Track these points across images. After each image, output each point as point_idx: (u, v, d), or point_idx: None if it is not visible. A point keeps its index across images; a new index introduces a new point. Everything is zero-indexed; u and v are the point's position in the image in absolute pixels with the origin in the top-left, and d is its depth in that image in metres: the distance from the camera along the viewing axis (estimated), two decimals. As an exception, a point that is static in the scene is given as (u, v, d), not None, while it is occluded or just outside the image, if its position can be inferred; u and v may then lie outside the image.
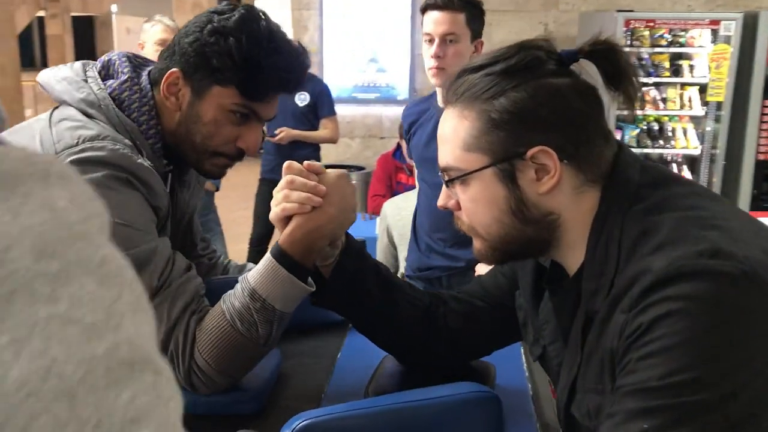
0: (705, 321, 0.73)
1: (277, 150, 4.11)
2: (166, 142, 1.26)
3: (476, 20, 2.19)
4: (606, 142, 0.91)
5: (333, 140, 4.31)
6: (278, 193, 1.14)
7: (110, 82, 1.24)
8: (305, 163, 1.15)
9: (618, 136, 5.23)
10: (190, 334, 1.12)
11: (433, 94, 2.37)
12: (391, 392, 1.17)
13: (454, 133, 0.91)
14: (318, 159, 4.43)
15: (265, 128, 3.32)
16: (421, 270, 2.43)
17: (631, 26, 4.88)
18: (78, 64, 1.27)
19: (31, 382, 0.31)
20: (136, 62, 1.31)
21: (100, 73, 1.26)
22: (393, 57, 5.52)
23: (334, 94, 4.37)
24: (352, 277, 1.17)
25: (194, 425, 1.12)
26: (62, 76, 1.23)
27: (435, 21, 2.14)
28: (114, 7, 12.33)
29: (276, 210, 1.14)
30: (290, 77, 1.25)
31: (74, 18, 11.74)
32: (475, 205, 0.92)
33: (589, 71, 0.93)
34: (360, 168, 5.28)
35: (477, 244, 0.95)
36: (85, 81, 1.23)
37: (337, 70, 5.51)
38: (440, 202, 0.97)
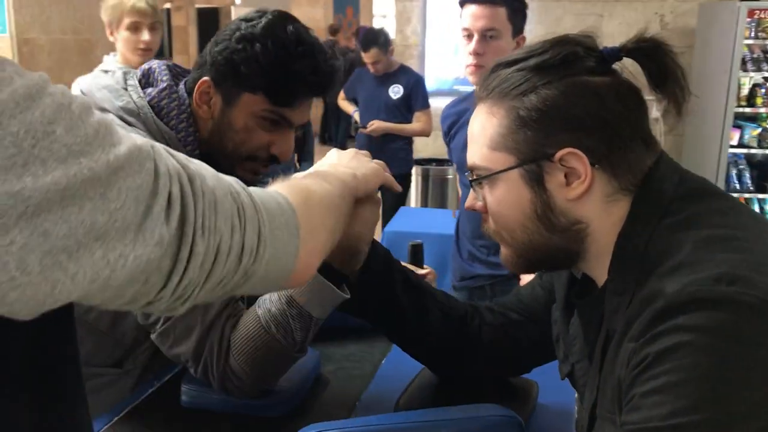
0: (716, 356, 0.66)
1: (369, 142, 4.12)
2: (202, 150, 1.27)
3: (518, 15, 2.07)
4: (646, 149, 0.83)
5: (425, 133, 4.27)
6: None
7: (149, 90, 1.27)
8: None
9: (737, 135, 4.89)
10: (225, 339, 1.12)
11: (472, 94, 2.28)
12: (418, 407, 1.13)
13: (482, 130, 0.87)
14: (410, 152, 4.42)
15: (357, 118, 3.29)
16: (464, 279, 2.36)
17: (756, 16, 4.54)
18: (119, 72, 1.30)
19: None
20: (175, 71, 1.34)
21: (140, 81, 1.29)
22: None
23: (434, 86, 4.34)
24: (378, 283, 1.13)
25: (225, 424, 1.15)
26: (103, 84, 1.27)
27: (474, 15, 2.04)
28: (238, -1, 12.78)
29: None
30: (317, 81, 1.24)
31: (199, 10, 12.30)
32: (501, 207, 0.87)
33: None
34: (457, 162, 5.21)
35: (503, 249, 0.91)
36: (125, 89, 1.26)
37: (438, 62, 5.45)
38: (467, 203, 0.93)
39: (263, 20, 1.21)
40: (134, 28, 2.75)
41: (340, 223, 0.89)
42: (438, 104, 4.38)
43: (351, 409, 1.22)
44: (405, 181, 4.43)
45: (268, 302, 1.13)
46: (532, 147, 0.82)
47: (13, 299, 0.48)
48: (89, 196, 0.50)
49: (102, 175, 0.51)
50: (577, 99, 0.81)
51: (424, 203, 5.00)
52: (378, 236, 2.43)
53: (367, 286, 1.13)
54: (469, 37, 2.06)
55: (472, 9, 2.05)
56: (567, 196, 0.82)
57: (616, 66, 0.86)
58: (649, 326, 0.70)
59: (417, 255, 1.61)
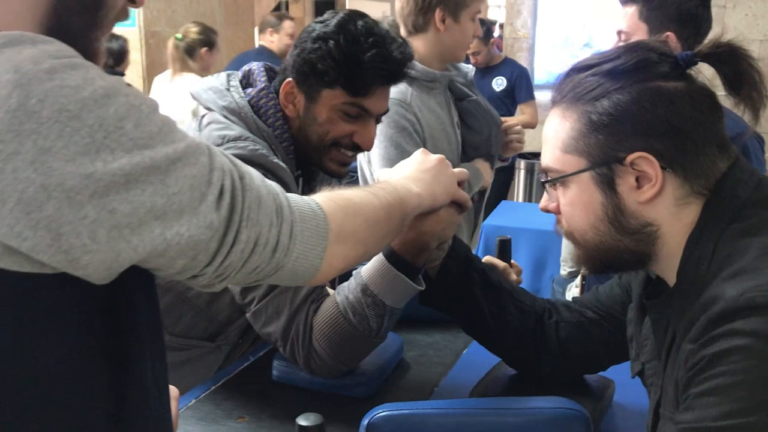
0: None
1: (473, 135, 4.12)
2: (294, 147, 1.37)
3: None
4: (720, 153, 0.84)
5: (531, 125, 4.23)
6: None
7: (249, 90, 1.38)
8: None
9: None
10: (308, 322, 1.21)
11: None
12: (491, 395, 1.18)
13: (555, 133, 0.89)
14: (516, 145, 4.37)
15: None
16: (572, 276, 2.34)
17: None
18: (223, 74, 1.42)
19: None
20: (272, 73, 1.43)
21: (241, 82, 1.40)
22: (609, 42, 5.25)
23: (544, 78, 4.29)
24: (456, 280, 1.18)
25: (310, 400, 1.23)
26: (208, 86, 1.39)
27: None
28: (352, -9, 12.99)
29: None
30: (389, 68, 1.30)
31: (316, 1, 12.59)
32: (572, 209, 0.89)
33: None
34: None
35: (575, 250, 0.93)
36: (228, 90, 1.37)
37: (548, 54, 5.37)
38: (541, 204, 0.96)
39: (335, 19, 1.30)
40: None
41: (382, 235, 0.95)
42: (548, 97, 4.31)
43: (429, 394, 1.28)
44: (507, 174, 4.41)
45: (347, 290, 1.21)
46: (604, 151, 0.84)
47: (85, 263, 0.59)
48: (150, 182, 0.60)
49: (162, 164, 0.61)
50: (649, 105, 0.82)
51: (528, 197, 4.95)
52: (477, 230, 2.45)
53: (445, 283, 1.18)
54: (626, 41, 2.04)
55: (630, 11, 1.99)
56: (638, 199, 0.83)
57: (692, 71, 0.86)
58: (706, 329, 0.71)
59: (505, 250, 1.63)
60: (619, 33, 1.99)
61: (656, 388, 0.88)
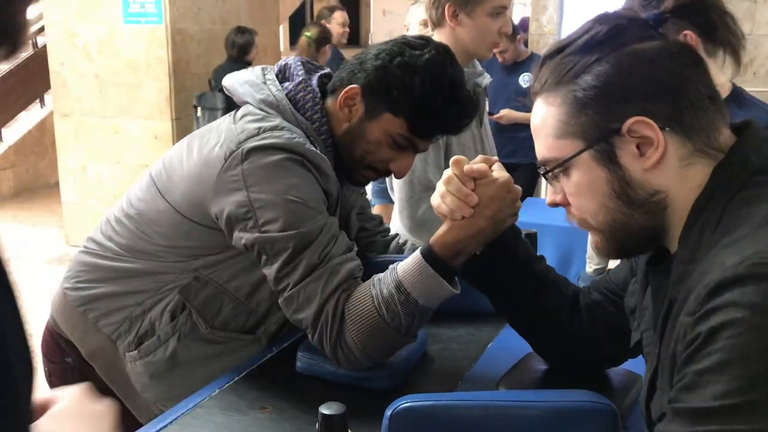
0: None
1: (498, 131, 4.09)
2: (333, 143, 1.37)
3: None
4: (713, 106, 0.81)
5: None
6: (440, 185, 1.17)
7: (286, 84, 1.37)
8: (466, 167, 1.15)
9: None
10: (339, 310, 1.20)
11: None
12: (517, 388, 1.16)
13: (543, 122, 0.87)
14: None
15: (487, 105, 3.21)
16: (598, 273, 2.31)
17: None
18: (258, 68, 1.42)
19: None
20: (309, 67, 1.43)
21: (277, 76, 1.40)
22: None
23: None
24: (499, 260, 1.20)
25: (333, 392, 1.22)
26: (244, 80, 1.38)
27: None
28: (378, -11, 13.00)
29: (433, 204, 1.18)
30: (458, 125, 1.34)
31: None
32: (580, 192, 0.87)
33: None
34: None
35: (593, 237, 0.91)
36: (264, 83, 1.36)
37: (574, 51, 5.31)
38: (548, 199, 0.94)
39: (427, 54, 1.30)
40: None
41: None
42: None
43: (453, 387, 1.26)
44: (533, 171, 4.36)
45: (382, 283, 1.20)
46: (597, 125, 0.82)
47: None
48: None
49: None
50: (631, 68, 0.81)
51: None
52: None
53: (489, 263, 1.19)
54: None
55: None
56: (642, 166, 0.81)
57: None
58: (703, 301, 0.69)
59: (531, 244, 1.62)
60: None
61: (652, 358, 0.85)
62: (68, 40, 4.98)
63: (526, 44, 4.94)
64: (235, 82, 1.40)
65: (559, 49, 0.86)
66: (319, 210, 1.25)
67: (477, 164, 1.15)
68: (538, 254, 1.25)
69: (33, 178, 7.69)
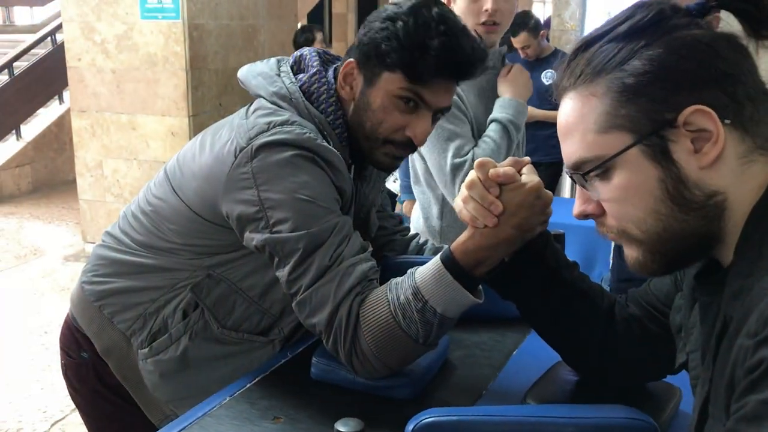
0: None
1: (520, 129, 4.02)
2: (348, 135, 1.30)
3: None
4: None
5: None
6: (463, 188, 1.08)
7: (301, 75, 1.31)
8: (491, 171, 1.05)
9: None
10: (353, 314, 1.13)
11: None
12: (547, 402, 1.09)
13: (581, 118, 0.77)
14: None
15: None
16: (620, 281, 2.22)
17: None
18: (273, 60, 1.36)
19: None
20: (325, 58, 1.37)
21: (292, 67, 1.34)
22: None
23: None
24: (526, 269, 1.11)
25: (350, 400, 1.16)
26: (258, 72, 1.33)
27: None
28: (394, -14, 12.93)
29: (456, 209, 1.10)
30: (457, 60, 1.21)
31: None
32: (624, 197, 0.76)
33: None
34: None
35: (632, 252, 0.80)
36: (278, 75, 1.30)
37: (597, 47, 5.22)
38: (576, 210, 0.82)
39: (410, 2, 1.23)
40: None
41: None
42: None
43: (476, 398, 1.19)
44: (556, 169, 4.28)
45: (400, 288, 1.13)
46: (649, 116, 0.73)
47: None
48: None
49: None
50: (686, 53, 0.72)
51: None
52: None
53: (517, 272, 1.11)
54: None
55: None
56: (699, 164, 0.72)
57: None
58: (767, 322, 0.61)
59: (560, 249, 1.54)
60: None
61: (704, 382, 0.76)
62: (86, 36, 4.95)
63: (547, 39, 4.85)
64: (249, 74, 1.34)
65: (598, 37, 0.77)
66: (331, 209, 1.18)
67: (504, 168, 1.05)
68: (570, 260, 1.16)
69: (51, 174, 7.71)
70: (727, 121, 0.71)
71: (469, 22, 1.80)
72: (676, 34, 0.73)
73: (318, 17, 12.88)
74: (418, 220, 2.05)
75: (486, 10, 1.81)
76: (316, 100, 1.29)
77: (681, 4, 0.77)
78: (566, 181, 4.79)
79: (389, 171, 1.38)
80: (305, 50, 1.37)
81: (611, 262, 2.48)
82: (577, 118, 0.78)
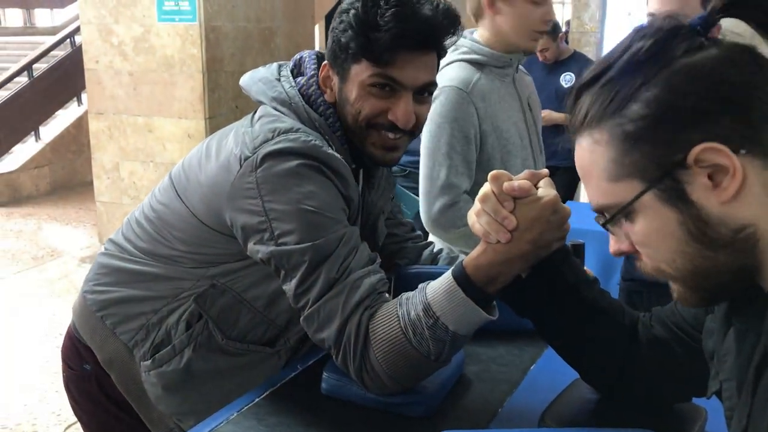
0: None
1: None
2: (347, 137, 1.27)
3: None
4: None
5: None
6: (476, 201, 1.03)
7: (299, 79, 1.29)
8: (506, 184, 1.01)
9: None
10: (362, 330, 1.09)
11: None
12: (566, 424, 1.04)
13: (592, 165, 0.74)
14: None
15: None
16: (625, 279, 2.17)
17: None
18: (275, 65, 1.33)
19: None
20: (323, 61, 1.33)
21: (292, 71, 1.31)
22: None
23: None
24: (543, 284, 1.06)
25: (361, 417, 1.12)
26: (259, 77, 1.30)
27: (662, 0, 1.79)
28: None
29: (469, 222, 1.06)
30: (412, 28, 1.17)
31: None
32: (649, 240, 0.73)
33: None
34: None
35: (674, 286, 0.77)
36: (278, 80, 1.28)
37: (617, 49, 5.16)
38: (612, 249, 0.79)
39: None
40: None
41: None
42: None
43: (492, 416, 1.15)
44: (574, 174, 4.22)
45: (410, 303, 1.09)
46: (657, 161, 0.69)
47: None
48: None
49: None
50: (686, 86, 0.67)
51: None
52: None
53: (534, 289, 1.07)
54: None
55: None
56: (720, 199, 0.67)
57: None
58: None
59: (577, 255, 1.49)
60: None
61: (741, 415, 0.72)
62: (103, 38, 4.96)
63: (566, 42, 4.80)
64: (250, 80, 1.31)
65: (594, 78, 0.73)
66: (338, 219, 1.15)
67: (519, 181, 1.01)
68: (589, 276, 1.11)
69: (69, 175, 7.75)
70: (743, 151, 0.66)
71: (524, 27, 1.80)
72: (676, 66, 0.69)
73: (336, 19, 12.89)
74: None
75: (549, 20, 1.83)
76: (314, 102, 1.26)
77: (686, 19, 0.73)
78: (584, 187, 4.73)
79: (387, 165, 1.33)
80: (305, 53, 1.35)
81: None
82: (588, 165, 0.75)
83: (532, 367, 1.32)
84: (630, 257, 0.79)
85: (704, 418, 1.09)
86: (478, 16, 1.85)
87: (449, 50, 1.75)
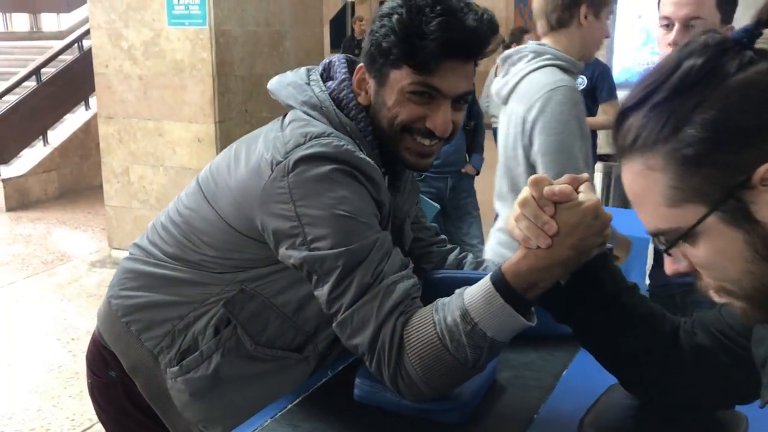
0: None
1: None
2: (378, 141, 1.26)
3: (729, 1, 1.80)
4: None
5: (612, 127, 4.03)
6: (516, 206, 1.02)
7: (329, 83, 1.28)
8: (546, 189, 0.99)
9: None
10: (396, 336, 1.08)
11: None
12: (607, 431, 1.03)
13: (647, 190, 0.73)
14: (595, 146, 4.18)
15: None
16: (657, 286, 2.15)
17: None
18: (303, 69, 1.32)
19: None
20: (354, 65, 1.32)
21: (322, 75, 1.30)
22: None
23: (623, 77, 4.08)
24: (582, 290, 1.05)
25: (394, 424, 1.11)
26: (288, 82, 1.29)
27: (676, 2, 1.79)
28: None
29: (508, 227, 1.05)
30: (458, 37, 1.16)
31: (382, 1, 12.57)
32: (712, 263, 0.72)
33: None
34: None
35: (736, 303, 0.75)
36: (308, 84, 1.27)
37: (627, 51, 5.14)
38: (669, 270, 0.78)
39: None
40: None
41: None
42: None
43: (527, 423, 1.14)
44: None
45: (447, 309, 1.07)
46: (719, 182, 0.68)
47: None
48: None
49: None
50: (743, 105, 0.66)
51: (606, 201, 4.72)
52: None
53: (573, 295, 1.05)
54: (669, 26, 1.83)
55: None
56: None
57: None
58: None
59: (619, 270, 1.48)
60: (688, 20, 1.80)
61: None
62: (113, 43, 4.97)
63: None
64: (278, 84, 1.30)
65: (644, 98, 0.71)
66: (370, 224, 1.14)
67: (560, 186, 0.99)
68: (629, 282, 1.09)
69: (77, 179, 7.75)
70: None
71: (599, 39, 2.06)
72: (731, 83, 0.67)
73: (341, 23, 12.88)
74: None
75: (608, 35, 2.08)
76: (346, 107, 1.25)
77: (726, 33, 0.71)
78: (596, 189, 4.71)
79: (422, 170, 1.32)
80: (334, 57, 1.34)
81: (648, 268, 2.40)
82: (642, 190, 0.74)
83: (564, 373, 1.30)
84: (660, 263, 0.78)
85: (745, 426, 1.07)
86: (562, 24, 1.98)
87: (527, 58, 1.84)
